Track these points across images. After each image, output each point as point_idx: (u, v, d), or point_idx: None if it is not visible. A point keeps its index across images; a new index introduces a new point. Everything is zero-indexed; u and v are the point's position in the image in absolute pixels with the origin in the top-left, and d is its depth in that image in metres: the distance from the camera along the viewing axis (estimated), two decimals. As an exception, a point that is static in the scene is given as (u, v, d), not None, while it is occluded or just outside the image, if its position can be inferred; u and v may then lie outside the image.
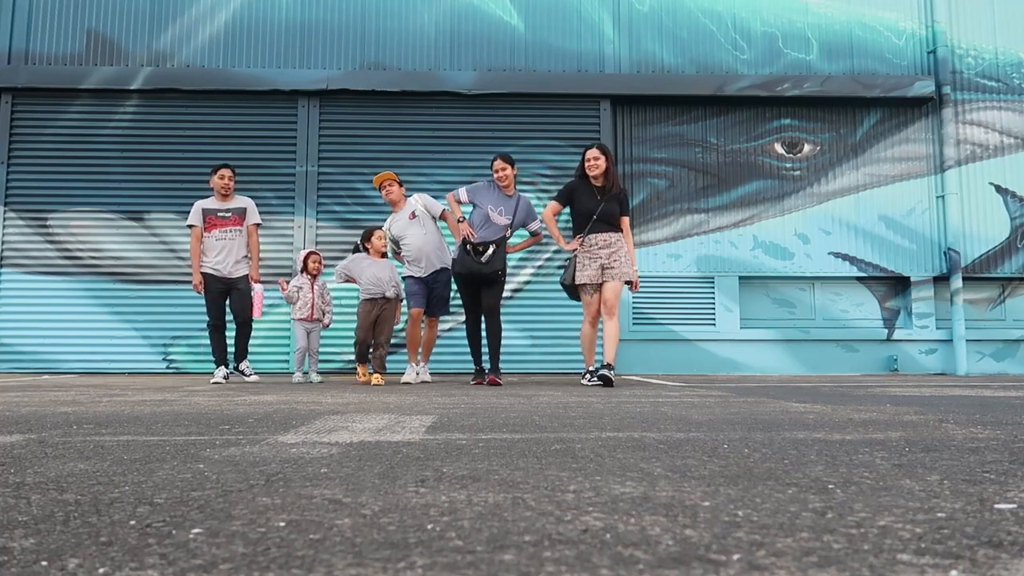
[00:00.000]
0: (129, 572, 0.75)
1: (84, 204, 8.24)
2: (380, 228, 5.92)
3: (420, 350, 5.88)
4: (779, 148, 8.79)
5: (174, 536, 0.90)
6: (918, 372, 8.47)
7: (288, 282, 6.29)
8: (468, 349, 5.74)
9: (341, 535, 0.90)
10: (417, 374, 5.75)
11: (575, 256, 5.36)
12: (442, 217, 5.87)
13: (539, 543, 0.86)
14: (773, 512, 1.03)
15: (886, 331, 8.58)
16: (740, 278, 8.54)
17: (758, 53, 8.85)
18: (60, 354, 7.98)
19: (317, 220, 8.31)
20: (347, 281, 5.85)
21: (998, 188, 8.83)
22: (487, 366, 5.56)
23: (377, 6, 8.71)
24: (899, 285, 8.75)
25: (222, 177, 5.96)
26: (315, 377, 6.08)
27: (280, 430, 2.12)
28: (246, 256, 6.02)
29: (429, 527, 0.94)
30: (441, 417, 2.56)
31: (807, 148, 8.81)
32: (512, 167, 5.66)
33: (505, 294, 8.42)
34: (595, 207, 5.30)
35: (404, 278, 5.84)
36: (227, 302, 5.95)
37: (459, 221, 5.61)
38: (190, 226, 5.98)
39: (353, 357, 6.20)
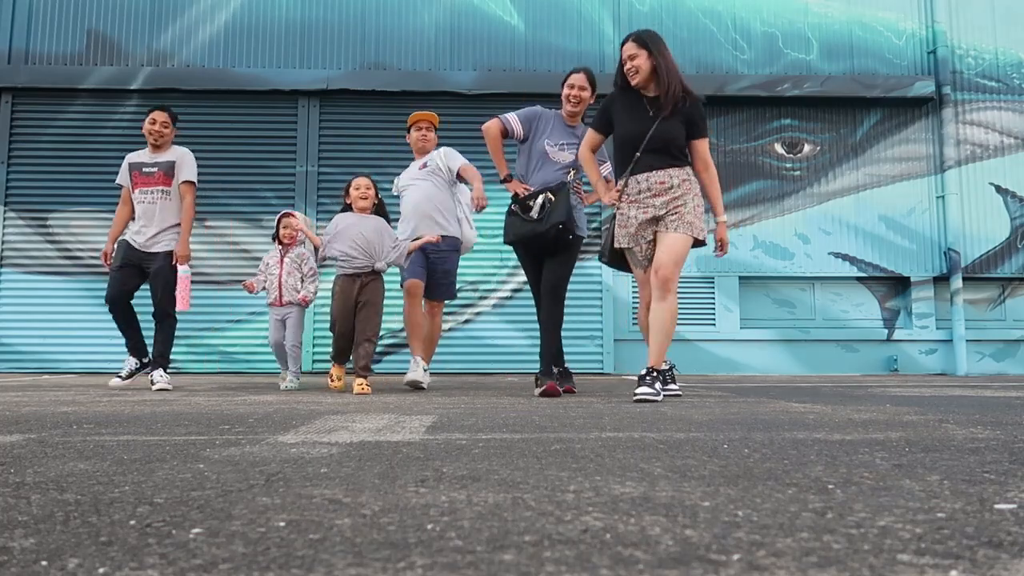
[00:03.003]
0: (129, 572, 0.75)
1: (84, 204, 8.24)
2: (365, 176, 4.52)
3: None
4: (779, 148, 8.79)
5: (174, 536, 0.90)
6: (918, 372, 8.47)
7: (255, 277, 4.99)
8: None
9: (341, 535, 0.90)
10: (425, 371, 4.57)
11: (615, 211, 3.69)
12: (459, 176, 4.63)
13: (539, 543, 0.86)
14: (773, 512, 1.03)
15: (886, 331, 8.58)
16: (740, 278, 8.54)
17: (758, 53, 8.85)
18: (60, 354, 7.98)
19: (317, 220, 8.31)
20: (327, 259, 4.40)
21: (998, 188, 8.83)
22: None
23: (377, 6, 8.71)
24: (899, 285, 8.75)
25: (153, 121, 4.64)
26: (292, 382, 4.76)
27: (280, 430, 2.12)
28: (177, 226, 4.65)
29: (429, 527, 0.94)
30: (441, 417, 2.56)
31: (807, 148, 8.81)
32: (593, 90, 4.20)
33: (505, 293, 8.44)
34: (644, 129, 3.50)
35: None
36: (145, 284, 4.70)
37: (504, 181, 4.19)
38: (119, 186, 4.81)
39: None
